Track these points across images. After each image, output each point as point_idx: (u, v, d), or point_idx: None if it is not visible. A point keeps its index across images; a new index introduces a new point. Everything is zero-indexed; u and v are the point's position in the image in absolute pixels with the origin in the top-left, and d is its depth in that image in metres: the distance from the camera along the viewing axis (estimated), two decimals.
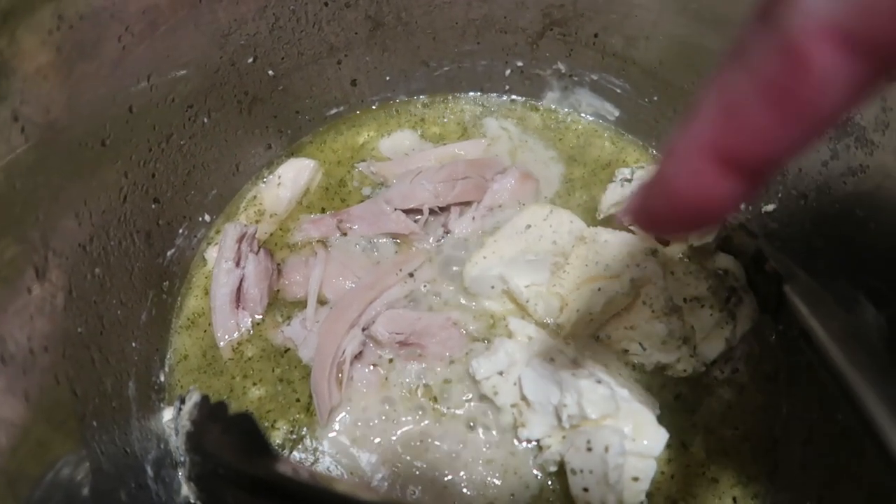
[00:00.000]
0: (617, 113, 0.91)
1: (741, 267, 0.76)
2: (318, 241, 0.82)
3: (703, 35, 0.75)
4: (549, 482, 0.68)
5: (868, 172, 0.65)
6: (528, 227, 0.78)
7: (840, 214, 0.70)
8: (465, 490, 0.68)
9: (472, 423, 0.72)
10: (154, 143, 0.70)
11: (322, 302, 0.78)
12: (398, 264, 0.79)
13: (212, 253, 0.82)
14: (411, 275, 0.79)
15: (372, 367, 0.75)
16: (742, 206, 0.81)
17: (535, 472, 0.69)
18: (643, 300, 0.74)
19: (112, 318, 0.67)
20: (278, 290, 0.80)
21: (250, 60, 0.77)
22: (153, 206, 0.73)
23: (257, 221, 0.84)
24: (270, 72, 0.80)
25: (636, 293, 0.74)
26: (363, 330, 0.75)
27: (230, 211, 0.85)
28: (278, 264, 0.81)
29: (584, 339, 0.75)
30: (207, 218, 0.83)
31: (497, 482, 0.68)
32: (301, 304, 0.79)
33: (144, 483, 0.63)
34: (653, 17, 0.78)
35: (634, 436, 0.64)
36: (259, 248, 0.79)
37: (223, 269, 0.77)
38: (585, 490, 0.63)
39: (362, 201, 0.85)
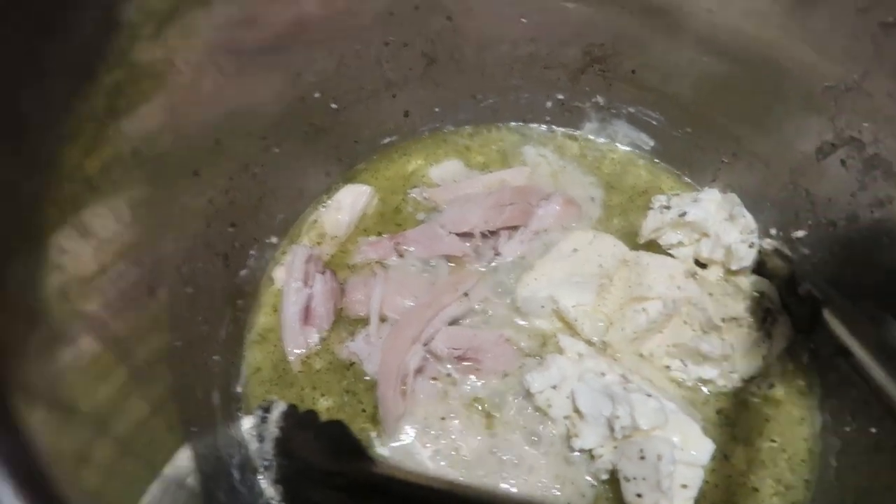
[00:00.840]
0: (652, 143, 0.97)
1: (775, 289, 0.82)
2: (376, 263, 0.88)
3: (736, 74, 0.81)
4: (603, 489, 0.73)
5: (894, 203, 0.70)
6: (575, 250, 0.83)
7: (867, 241, 0.75)
8: (523, 499, 0.73)
9: (526, 434, 0.77)
10: (234, 172, 0.76)
11: (382, 319, 0.84)
12: (454, 284, 0.84)
13: (278, 273, 0.87)
14: (466, 294, 0.84)
15: (432, 381, 0.80)
16: (774, 232, 0.87)
17: (588, 479, 0.74)
18: (684, 320, 0.79)
19: (200, 333, 0.73)
20: (341, 308, 0.85)
21: (317, 95, 0.83)
22: (230, 229, 0.79)
23: (319, 243, 0.90)
24: (334, 105, 0.87)
25: (677, 313, 0.79)
26: (424, 345, 0.80)
27: (293, 233, 0.91)
28: (341, 284, 0.86)
29: (629, 355, 0.80)
30: (274, 240, 0.89)
31: (556, 492, 0.73)
32: (363, 322, 0.84)
33: (233, 486, 0.68)
34: (688, 57, 0.84)
35: (683, 445, 0.69)
36: (325, 268, 0.85)
37: (292, 289, 0.83)
38: (639, 496, 0.68)
39: (416, 225, 0.91)
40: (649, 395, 0.71)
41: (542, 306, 0.83)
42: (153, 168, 0.60)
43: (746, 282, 0.82)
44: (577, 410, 0.75)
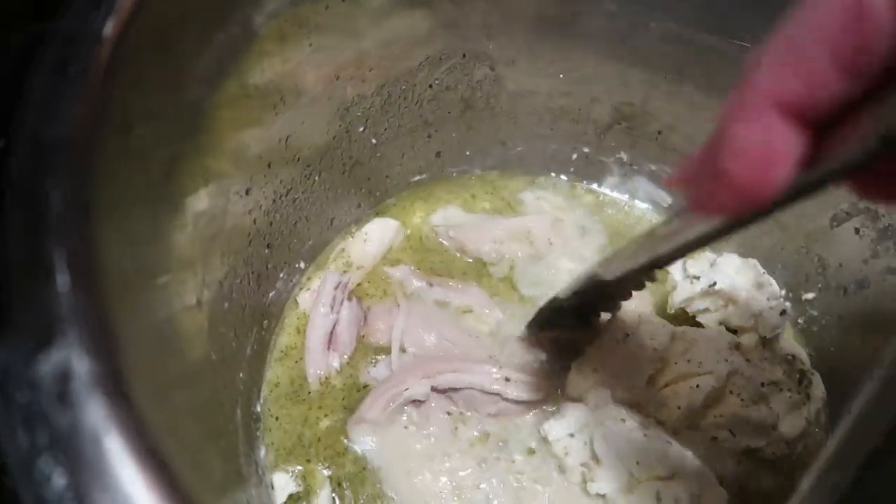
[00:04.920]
0: (670, 201, 1.01)
1: (804, 351, 0.85)
2: (400, 293, 0.90)
3: None
4: None
5: None
6: (627, 336, 0.83)
7: (877, 308, 0.79)
8: None
9: (542, 478, 0.78)
10: (277, 196, 0.79)
11: (403, 350, 0.85)
12: (496, 360, 0.84)
13: (304, 297, 0.89)
14: (508, 379, 0.81)
15: (446, 415, 0.81)
16: (784, 292, 0.90)
17: None
18: (730, 389, 0.79)
19: (229, 349, 0.74)
20: (364, 335, 0.87)
21: (361, 129, 0.87)
22: (266, 250, 0.81)
23: (345, 272, 0.92)
24: (373, 140, 0.90)
25: (726, 386, 0.79)
26: (434, 389, 0.80)
27: (321, 260, 0.93)
28: (365, 312, 0.88)
29: (683, 430, 0.80)
30: (302, 265, 0.91)
31: None
32: (384, 350, 0.86)
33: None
34: (712, 124, 0.89)
35: (699, 493, 0.71)
36: (351, 296, 0.87)
37: (320, 313, 0.84)
38: None
39: (441, 261, 0.94)
40: (669, 443, 0.73)
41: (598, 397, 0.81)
42: (216, 182, 0.62)
43: (779, 346, 0.85)
44: (594, 456, 0.76)
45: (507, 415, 0.81)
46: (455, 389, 0.81)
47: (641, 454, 0.72)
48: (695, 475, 0.72)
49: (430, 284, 0.91)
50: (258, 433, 0.79)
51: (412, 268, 0.93)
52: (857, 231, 0.80)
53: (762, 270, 0.86)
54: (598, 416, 0.78)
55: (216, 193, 0.63)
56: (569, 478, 0.77)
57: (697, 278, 0.86)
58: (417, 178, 1.01)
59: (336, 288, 0.86)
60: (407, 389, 0.79)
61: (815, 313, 0.88)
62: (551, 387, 0.83)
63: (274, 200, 0.79)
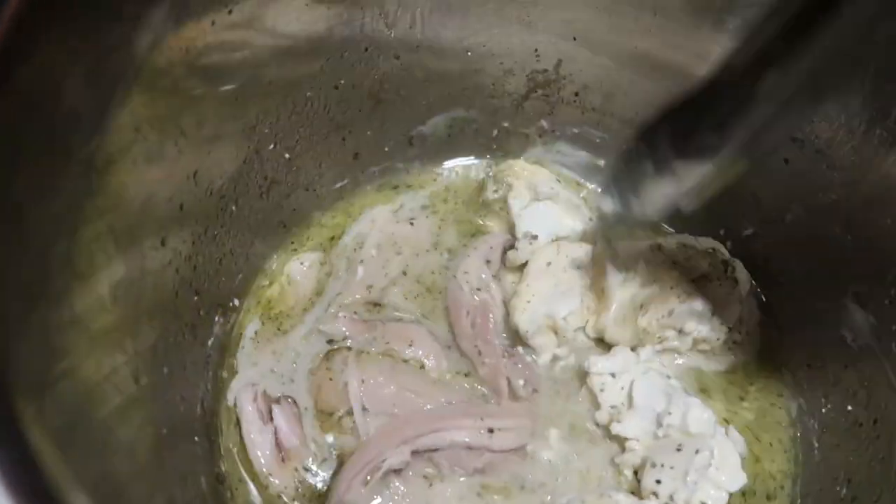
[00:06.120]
0: (601, 162, 1.00)
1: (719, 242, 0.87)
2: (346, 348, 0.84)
3: (674, 89, 0.85)
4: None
5: (842, 193, 0.75)
6: (549, 264, 0.84)
7: (818, 233, 0.80)
8: None
9: None
10: (196, 237, 0.72)
11: (364, 409, 0.78)
12: (479, 414, 0.78)
13: (249, 331, 0.83)
14: (492, 431, 0.76)
15: (422, 479, 0.75)
16: (723, 232, 0.91)
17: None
18: (670, 286, 0.82)
19: (178, 416, 0.67)
20: (321, 409, 0.79)
21: (272, 147, 0.80)
22: (195, 298, 0.74)
23: (274, 315, 0.86)
24: (287, 155, 0.83)
25: (659, 286, 0.82)
26: (414, 452, 0.74)
27: (248, 305, 0.86)
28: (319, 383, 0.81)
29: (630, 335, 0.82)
30: (237, 302, 0.84)
31: None
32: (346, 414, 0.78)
33: None
34: (628, 77, 0.87)
35: (719, 466, 0.71)
36: (278, 398, 0.80)
37: (255, 430, 0.76)
38: (658, 482, 0.70)
39: None
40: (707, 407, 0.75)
41: (540, 325, 0.82)
42: (126, 243, 0.55)
43: (695, 242, 0.86)
44: (630, 397, 0.76)
45: (494, 467, 0.77)
46: (436, 450, 0.75)
47: (675, 407, 0.74)
48: (721, 446, 0.72)
49: (372, 330, 0.85)
50: (228, 498, 0.72)
51: (346, 316, 0.86)
52: (786, 162, 0.80)
53: None
54: (641, 368, 0.78)
55: (130, 254, 0.56)
56: (597, 417, 0.78)
57: None
58: (339, 184, 0.95)
59: (255, 400, 0.78)
60: (385, 460, 0.72)
61: (759, 247, 0.88)
62: (534, 424, 0.79)
63: (193, 243, 0.71)
